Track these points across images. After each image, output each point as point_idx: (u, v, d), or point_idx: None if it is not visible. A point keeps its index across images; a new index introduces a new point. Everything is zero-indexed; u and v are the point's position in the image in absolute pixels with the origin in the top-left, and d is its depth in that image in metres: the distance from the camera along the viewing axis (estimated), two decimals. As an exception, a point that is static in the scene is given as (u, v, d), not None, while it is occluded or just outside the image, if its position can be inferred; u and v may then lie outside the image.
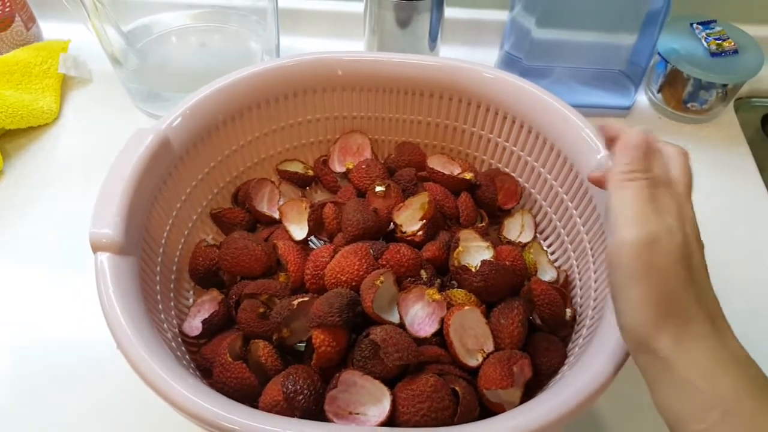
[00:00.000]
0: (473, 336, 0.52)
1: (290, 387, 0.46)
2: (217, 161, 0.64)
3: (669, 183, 0.40)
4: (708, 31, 0.85)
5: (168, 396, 0.40)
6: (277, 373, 0.50)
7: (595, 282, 0.55)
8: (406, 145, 0.70)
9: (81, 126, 0.84)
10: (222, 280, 0.61)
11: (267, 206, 0.67)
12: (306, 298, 0.52)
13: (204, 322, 0.55)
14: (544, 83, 0.62)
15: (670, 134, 0.85)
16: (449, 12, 0.86)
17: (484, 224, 0.65)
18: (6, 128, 0.80)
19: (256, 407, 0.46)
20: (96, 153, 0.79)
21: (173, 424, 0.54)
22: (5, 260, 0.69)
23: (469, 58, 0.66)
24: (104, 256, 0.47)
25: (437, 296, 0.53)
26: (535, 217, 0.68)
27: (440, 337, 0.52)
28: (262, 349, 0.51)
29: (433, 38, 0.83)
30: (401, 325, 0.51)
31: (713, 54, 0.83)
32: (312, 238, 0.64)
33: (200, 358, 0.54)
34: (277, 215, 0.65)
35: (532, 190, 0.67)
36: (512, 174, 0.68)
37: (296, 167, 0.70)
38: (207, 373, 0.53)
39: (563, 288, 0.59)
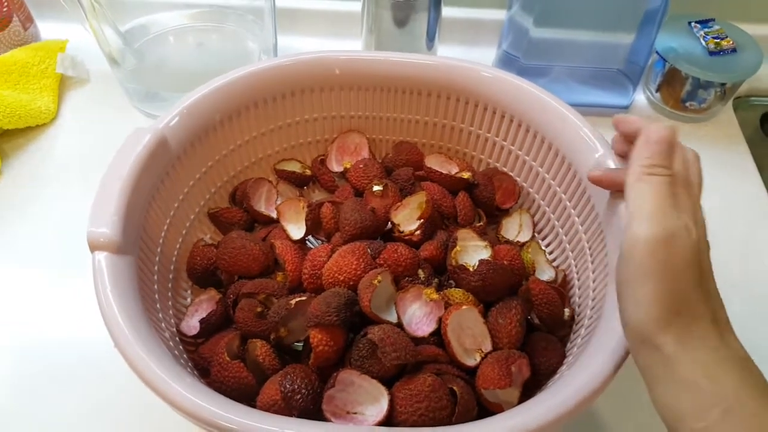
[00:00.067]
0: (471, 335, 0.52)
1: (288, 386, 0.46)
2: (215, 161, 0.64)
3: (688, 182, 0.40)
4: (706, 29, 0.85)
5: (166, 395, 0.40)
6: (274, 373, 0.50)
7: (594, 282, 0.55)
8: (404, 145, 0.70)
9: (79, 126, 0.84)
10: (220, 279, 0.61)
11: (264, 206, 0.67)
12: (303, 298, 0.52)
13: (202, 321, 0.55)
14: (542, 82, 0.62)
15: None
16: (447, 11, 0.86)
17: (482, 224, 0.65)
18: (4, 128, 0.79)
19: (253, 406, 0.46)
20: (94, 153, 0.79)
21: (172, 423, 0.54)
22: (3, 260, 0.69)
23: (467, 57, 0.65)
24: (102, 256, 0.47)
25: (435, 296, 0.53)
26: (533, 216, 0.68)
27: (438, 336, 0.52)
28: (259, 349, 0.51)
29: (430, 37, 0.83)
30: (399, 325, 0.51)
31: (711, 53, 0.83)
32: (309, 237, 0.64)
33: (198, 357, 0.54)
34: (274, 215, 0.65)
35: (530, 190, 0.67)
36: (510, 173, 0.68)
37: (294, 167, 0.70)
38: (205, 372, 0.53)
39: (561, 288, 0.59)
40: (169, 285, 0.58)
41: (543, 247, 0.66)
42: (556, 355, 0.52)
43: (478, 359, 0.51)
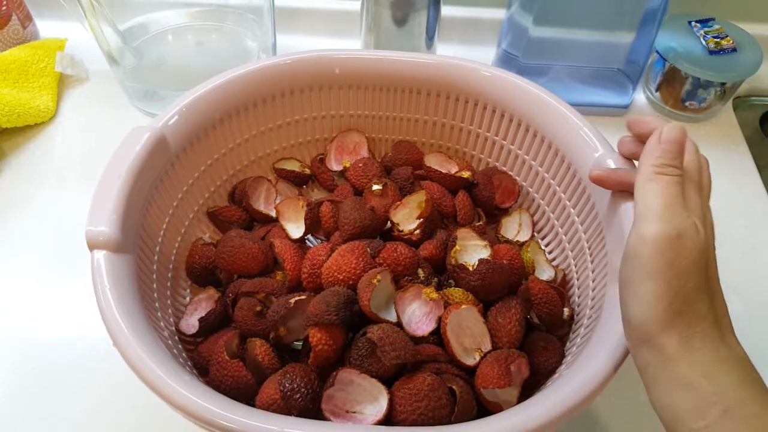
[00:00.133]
0: (470, 335, 0.52)
1: (287, 385, 0.46)
2: (214, 159, 0.64)
3: (699, 184, 0.40)
4: (706, 29, 0.85)
5: (165, 394, 0.40)
6: (274, 372, 0.50)
7: (593, 281, 0.55)
8: (403, 144, 0.70)
9: (78, 124, 0.84)
10: (219, 278, 0.61)
11: (264, 204, 0.67)
12: (303, 297, 0.52)
13: (201, 320, 0.55)
14: (541, 81, 0.62)
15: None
16: (446, 10, 0.86)
17: (481, 223, 0.65)
18: (3, 127, 0.79)
19: (252, 406, 0.46)
20: (93, 151, 0.80)
21: (171, 422, 0.54)
22: (2, 258, 0.69)
23: (466, 56, 0.65)
24: (101, 254, 0.47)
25: (434, 295, 0.53)
26: (532, 216, 0.68)
27: (437, 335, 0.52)
28: (259, 348, 0.51)
29: (430, 36, 0.83)
30: (398, 324, 0.51)
31: (712, 52, 0.83)
32: (309, 236, 0.64)
33: (197, 356, 0.54)
34: (273, 213, 0.65)
35: (530, 189, 0.67)
36: (510, 173, 0.68)
37: (293, 166, 0.70)
38: (204, 371, 0.53)
39: (561, 287, 0.59)
40: (168, 284, 0.58)
41: (542, 247, 0.66)
42: (556, 355, 0.52)
43: (478, 358, 0.51)
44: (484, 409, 0.49)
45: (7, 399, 0.58)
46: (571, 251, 0.61)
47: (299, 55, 0.64)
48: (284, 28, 0.93)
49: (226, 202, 0.67)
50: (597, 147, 0.55)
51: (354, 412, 0.47)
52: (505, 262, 0.57)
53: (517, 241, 0.66)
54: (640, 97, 0.91)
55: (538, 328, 0.56)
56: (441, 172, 0.66)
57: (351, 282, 0.53)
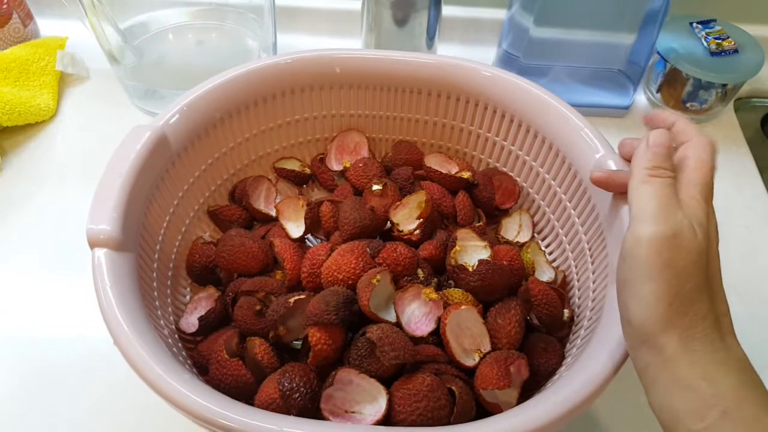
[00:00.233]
0: (470, 336, 0.52)
1: (286, 385, 0.46)
2: (214, 158, 0.64)
3: (696, 182, 0.40)
4: (708, 30, 0.85)
5: (164, 392, 0.40)
6: (273, 371, 0.50)
7: (594, 282, 0.55)
8: (404, 144, 0.70)
9: (78, 123, 0.84)
10: (219, 277, 0.61)
11: (264, 204, 0.67)
12: (302, 296, 0.52)
13: (201, 319, 0.55)
14: (542, 82, 0.62)
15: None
16: (447, 10, 0.86)
17: (481, 224, 0.65)
18: (3, 125, 0.79)
19: (252, 405, 0.46)
20: (93, 150, 0.80)
21: (171, 421, 0.54)
22: (2, 257, 0.69)
23: (467, 56, 0.65)
24: (101, 252, 0.47)
25: (434, 295, 0.53)
26: (533, 216, 0.68)
27: (437, 336, 0.52)
28: (258, 347, 0.51)
29: (430, 36, 0.83)
30: (398, 324, 0.51)
31: (713, 53, 0.83)
32: (309, 236, 0.64)
33: (197, 354, 0.54)
34: (274, 213, 0.65)
35: (530, 190, 0.67)
36: (510, 173, 0.68)
37: (293, 165, 0.70)
38: (203, 370, 0.53)
39: (561, 288, 0.59)
40: (168, 282, 0.58)
41: (543, 248, 0.66)
42: (555, 356, 0.52)
43: (477, 359, 0.51)
44: (484, 410, 0.49)
45: (7, 399, 0.58)
46: (572, 252, 0.61)
47: (300, 54, 0.64)
48: (285, 27, 0.93)
49: (226, 201, 0.67)
50: (598, 148, 0.55)
51: (353, 412, 0.47)
52: (505, 262, 0.57)
53: (517, 241, 0.66)
54: (640, 98, 0.91)
55: (537, 329, 0.56)
56: (441, 173, 0.66)
57: (350, 282, 0.53)
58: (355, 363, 0.48)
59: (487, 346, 0.52)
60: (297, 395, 0.46)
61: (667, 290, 0.36)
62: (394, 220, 0.61)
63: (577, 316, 0.57)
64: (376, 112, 0.69)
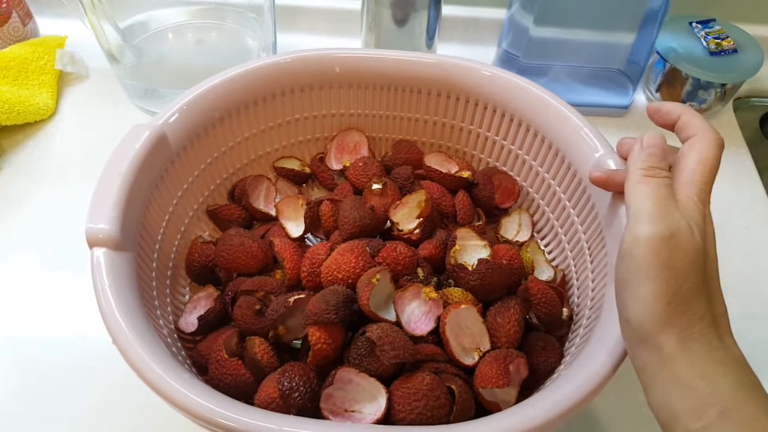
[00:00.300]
0: (469, 334, 0.52)
1: (286, 384, 0.46)
2: (214, 158, 0.64)
3: (693, 182, 0.39)
4: (707, 30, 0.85)
5: (163, 392, 0.40)
6: (272, 370, 0.50)
7: (593, 281, 0.55)
8: (403, 143, 0.70)
9: (77, 122, 0.84)
10: (218, 276, 0.61)
11: (263, 203, 0.67)
12: (302, 296, 0.52)
13: (200, 318, 0.55)
14: (541, 82, 0.62)
15: (668, 134, 0.85)
16: (447, 9, 0.86)
17: (481, 223, 0.65)
18: (2, 124, 0.79)
19: (251, 404, 0.46)
20: (92, 149, 0.80)
21: (171, 421, 0.54)
22: (1, 256, 0.69)
23: (467, 56, 0.65)
24: (100, 252, 0.47)
25: (434, 294, 0.53)
26: (532, 216, 0.68)
27: (436, 335, 0.52)
28: (258, 346, 0.51)
29: (430, 36, 0.83)
30: (397, 323, 0.51)
31: (712, 53, 0.83)
32: (308, 235, 0.64)
33: (196, 354, 0.54)
34: (273, 212, 0.65)
35: (530, 189, 0.67)
36: (510, 173, 0.68)
37: (293, 164, 0.70)
38: (203, 369, 0.53)
39: (560, 287, 0.59)
40: (168, 282, 0.58)
41: (542, 247, 0.66)
42: (554, 355, 0.52)
43: (477, 358, 0.51)
44: (483, 409, 0.49)
45: (7, 399, 0.58)
46: (571, 251, 0.61)
47: (299, 53, 0.64)
48: (284, 26, 0.93)
49: (225, 200, 0.67)
50: (597, 147, 0.55)
51: (353, 411, 0.47)
52: (504, 262, 0.57)
53: (517, 241, 0.66)
54: (640, 97, 0.91)
55: (537, 328, 0.56)
56: (441, 172, 0.66)
57: (350, 281, 0.53)
58: (355, 362, 0.48)
59: (486, 345, 0.52)
60: (296, 394, 0.46)
61: (666, 290, 0.36)
62: (394, 220, 0.61)
63: (576, 315, 0.57)
64: (376, 111, 0.69)
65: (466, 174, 0.65)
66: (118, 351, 0.42)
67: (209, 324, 0.56)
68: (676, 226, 0.37)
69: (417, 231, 0.60)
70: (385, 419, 0.46)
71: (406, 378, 0.47)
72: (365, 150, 0.70)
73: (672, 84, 0.85)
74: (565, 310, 0.56)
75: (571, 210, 0.60)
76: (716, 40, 0.83)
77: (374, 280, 0.50)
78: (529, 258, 0.62)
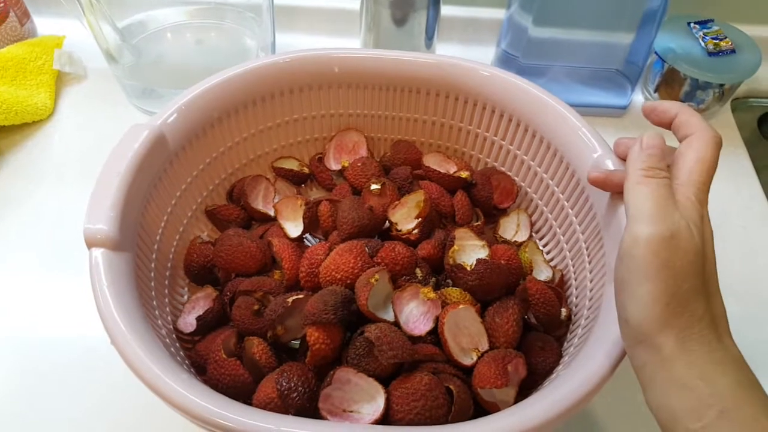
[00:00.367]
0: (468, 335, 0.52)
1: (284, 384, 0.46)
2: (213, 158, 0.64)
3: (691, 183, 0.39)
4: (705, 30, 0.85)
5: (162, 392, 0.40)
6: (271, 371, 0.50)
7: (591, 282, 0.55)
8: (402, 143, 0.70)
9: (76, 122, 0.84)
10: (217, 277, 0.61)
11: (262, 203, 0.67)
12: (301, 296, 0.52)
13: (198, 318, 0.55)
14: (540, 82, 0.62)
15: (666, 134, 0.85)
16: (446, 10, 0.86)
17: (479, 223, 0.65)
18: (0, 124, 0.79)
19: (250, 404, 0.46)
20: (91, 149, 0.79)
21: (170, 421, 0.54)
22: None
23: (466, 56, 0.65)
24: (99, 252, 0.47)
25: (432, 295, 0.53)
26: (531, 216, 0.68)
27: (435, 335, 0.52)
28: (256, 346, 0.51)
29: (429, 36, 0.83)
30: (396, 324, 0.51)
31: (710, 53, 0.83)
32: (307, 235, 0.64)
33: (194, 354, 0.54)
34: (272, 212, 0.65)
35: (528, 189, 0.67)
36: (508, 173, 0.68)
37: (291, 164, 0.70)
38: (201, 369, 0.53)
39: (559, 287, 0.59)
40: (166, 282, 0.58)
41: (540, 247, 0.66)
42: (553, 355, 0.52)
43: (475, 358, 0.51)
44: (481, 409, 0.49)
45: (6, 399, 0.58)
46: (569, 252, 0.61)
47: (298, 53, 0.64)
48: (283, 26, 0.93)
49: (224, 200, 0.67)
50: (595, 147, 0.55)
51: (351, 412, 0.47)
52: (502, 262, 0.57)
53: (515, 241, 0.66)
54: (638, 97, 0.91)
55: (535, 328, 0.56)
56: (439, 172, 0.66)
57: (349, 281, 0.53)
58: (354, 362, 0.48)
59: (484, 345, 0.52)
60: (295, 395, 0.46)
61: (665, 290, 0.36)
62: (393, 220, 0.61)
63: (575, 315, 0.57)
64: (375, 111, 0.69)
65: (464, 174, 0.66)
66: (117, 351, 0.42)
67: (208, 324, 0.56)
68: (676, 226, 0.37)
69: (415, 231, 0.60)
70: (384, 419, 0.46)
71: (405, 378, 0.47)
72: (364, 150, 0.70)
73: (670, 84, 0.85)
74: (563, 310, 0.56)
75: (570, 210, 0.60)
76: (714, 41, 0.83)
77: (373, 280, 0.50)
78: (528, 258, 0.62)
